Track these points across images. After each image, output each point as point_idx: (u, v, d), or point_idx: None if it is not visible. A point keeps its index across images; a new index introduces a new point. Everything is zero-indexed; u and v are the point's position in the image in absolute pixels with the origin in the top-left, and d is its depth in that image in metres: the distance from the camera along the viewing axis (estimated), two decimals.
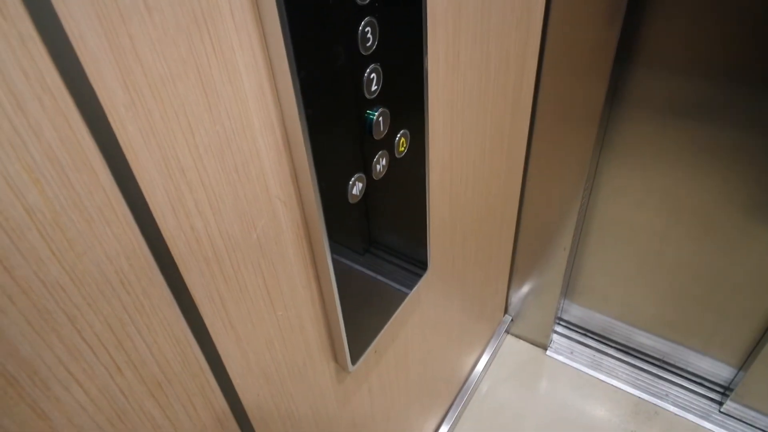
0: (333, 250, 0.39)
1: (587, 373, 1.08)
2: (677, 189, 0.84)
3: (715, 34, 0.68)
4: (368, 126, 0.38)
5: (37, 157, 0.21)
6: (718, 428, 0.98)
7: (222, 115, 0.29)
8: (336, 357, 0.49)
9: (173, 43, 0.25)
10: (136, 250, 0.27)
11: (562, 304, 1.13)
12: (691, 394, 1.03)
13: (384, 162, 0.41)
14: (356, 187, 0.39)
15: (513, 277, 1.08)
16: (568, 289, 1.10)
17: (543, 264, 1.01)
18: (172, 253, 0.29)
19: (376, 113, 0.38)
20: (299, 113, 0.31)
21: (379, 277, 0.49)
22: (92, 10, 0.21)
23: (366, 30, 0.34)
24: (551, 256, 0.98)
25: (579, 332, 1.15)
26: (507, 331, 1.17)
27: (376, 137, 0.39)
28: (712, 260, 0.88)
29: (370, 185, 0.41)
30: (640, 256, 0.96)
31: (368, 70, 0.35)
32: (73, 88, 0.22)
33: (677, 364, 1.06)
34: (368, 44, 0.34)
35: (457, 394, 1.02)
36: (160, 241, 0.28)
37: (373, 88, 0.37)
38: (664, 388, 1.04)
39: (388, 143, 0.41)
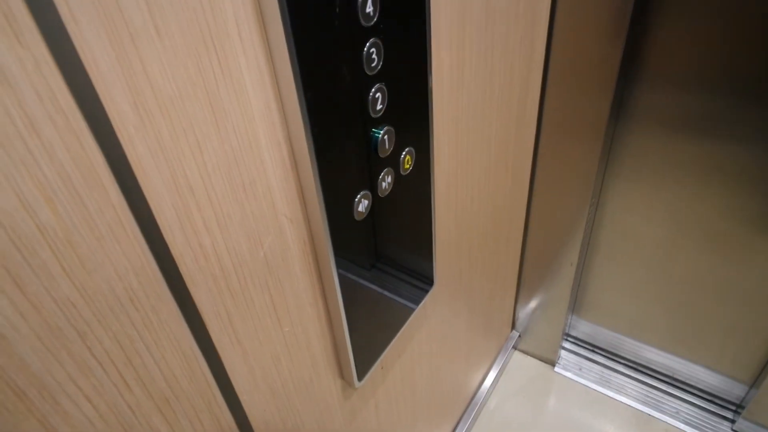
0: (339, 267, 0.40)
1: (596, 390, 1.07)
2: (684, 203, 0.84)
3: (721, 47, 0.69)
4: (374, 144, 0.38)
5: (49, 175, 0.22)
6: None
7: (229, 134, 0.29)
8: (342, 373, 0.49)
9: (182, 64, 0.26)
10: (144, 267, 0.27)
11: (569, 320, 1.12)
12: (703, 412, 1.02)
13: (389, 179, 0.42)
14: (362, 205, 0.39)
15: (520, 293, 1.08)
16: (575, 305, 1.09)
17: (550, 279, 1.01)
18: (180, 270, 0.29)
19: (382, 131, 0.38)
20: (306, 132, 0.32)
21: (386, 293, 0.49)
22: (105, 35, 0.22)
23: (371, 51, 0.34)
24: (558, 271, 0.98)
25: (587, 348, 1.14)
26: (514, 347, 1.17)
27: (381, 155, 0.39)
28: (721, 275, 0.88)
29: (376, 202, 0.41)
30: (647, 271, 0.95)
31: (373, 90, 0.36)
32: (85, 109, 0.22)
33: (688, 381, 1.05)
34: (373, 64, 0.35)
35: (465, 410, 1.02)
36: (168, 258, 0.28)
37: (379, 107, 0.37)
38: (674, 405, 1.03)
39: (393, 161, 0.41)
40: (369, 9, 0.33)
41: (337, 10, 0.31)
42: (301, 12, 0.28)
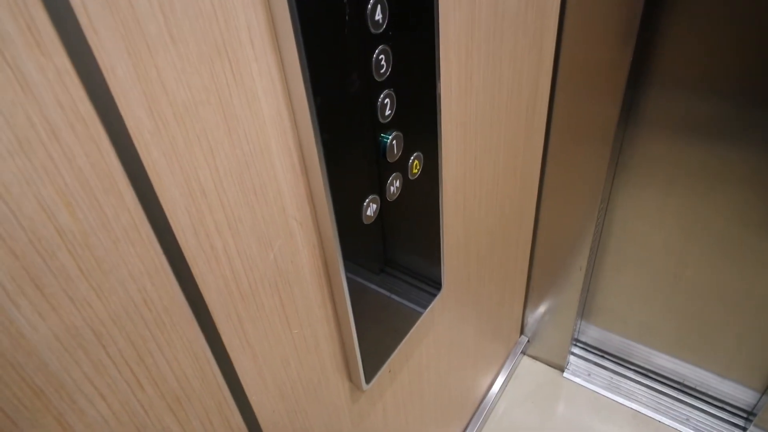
0: (348, 270, 0.40)
1: (605, 396, 1.07)
2: (694, 209, 0.83)
3: (731, 52, 0.69)
4: (382, 149, 0.39)
5: (68, 180, 0.23)
6: None
7: (241, 140, 0.30)
8: (350, 376, 0.50)
9: (196, 72, 0.26)
10: (158, 269, 0.28)
11: (578, 325, 1.12)
12: (713, 419, 1.01)
13: (397, 184, 0.42)
14: (370, 209, 0.40)
15: (529, 298, 1.08)
16: (584, 310, 1.09)
17: (559, 284, 1.00)
18: (193, 272, 0.30)
19: (390, 137, 0.39)
20: (315, 137, 0.33)
21: (394, 297, 0.49)
22: (122, 43, 0.23)
23: (380, 57, 0.35)
24: (567, 276, 0.98)
25: (596, 354, 1.13)
26: (523, 352, 1.16)
27: (389, 160, 0.40)
28: (731, 281, 0.87)
29: (384, 206, 0.42)
30: (657, 277, 0.95)
31: (382, 96, 0.37)
32: (103, 116, 0.23)
33: (698, 388, 1.04)
34: (382, 71, 0.36)
35: (473, 414, 1.02)
36: (181, 260, 0.29)
37: (387, 112, 0.38)
38: (685, 412, 1.03)
39: (401, 166, 0.42)
40: (378, 17, 0.34)
41: (347, 17, 0.31)
42: (312, 19, 0.29)
